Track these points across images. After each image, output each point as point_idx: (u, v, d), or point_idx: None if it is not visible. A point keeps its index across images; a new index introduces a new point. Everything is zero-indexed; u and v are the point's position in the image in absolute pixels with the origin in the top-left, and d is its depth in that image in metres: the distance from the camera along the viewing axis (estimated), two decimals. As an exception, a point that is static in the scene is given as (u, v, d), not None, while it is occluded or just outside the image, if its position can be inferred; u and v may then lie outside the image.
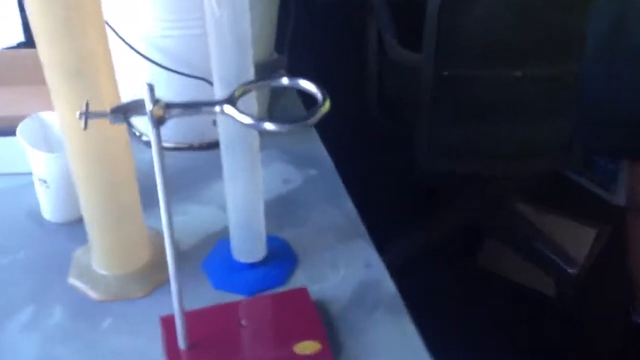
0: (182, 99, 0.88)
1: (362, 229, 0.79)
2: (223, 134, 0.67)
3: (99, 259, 0.74)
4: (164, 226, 0.59)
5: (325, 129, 1.06)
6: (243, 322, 0.67)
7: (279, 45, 0.98)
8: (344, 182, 0.88)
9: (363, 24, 1.39)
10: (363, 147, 1.47)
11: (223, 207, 0.73)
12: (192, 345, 0.64)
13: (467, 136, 1.36)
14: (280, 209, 0.83)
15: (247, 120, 0.52)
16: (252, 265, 0.75)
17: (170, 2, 0.81)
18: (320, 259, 0.75)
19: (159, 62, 0.84)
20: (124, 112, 0.52)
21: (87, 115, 0.51)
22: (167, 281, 0.72)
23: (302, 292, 0.69)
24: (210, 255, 0.76)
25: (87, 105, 0.52)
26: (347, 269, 0.74)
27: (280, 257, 0.76)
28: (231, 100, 0.53)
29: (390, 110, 1.43)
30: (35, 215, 0.82)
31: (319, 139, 0.95)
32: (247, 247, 0.74)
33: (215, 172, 0.73)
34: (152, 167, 0.58)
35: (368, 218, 0.83)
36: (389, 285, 0.71)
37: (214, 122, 0.87)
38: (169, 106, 0.52)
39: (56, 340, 0.68)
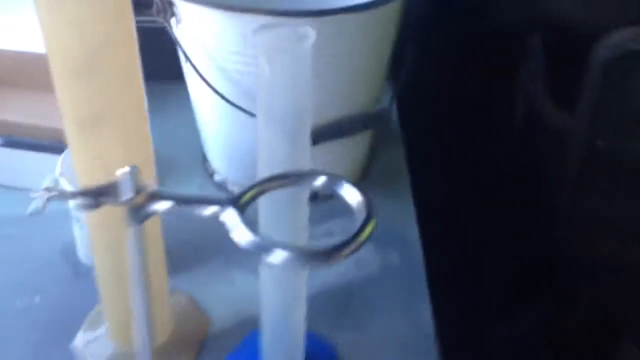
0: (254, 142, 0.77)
1: (435, 352, 0.62)
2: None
3: (109, 328, 0.62)
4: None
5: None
6: None
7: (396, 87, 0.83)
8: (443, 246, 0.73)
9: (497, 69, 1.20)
10: (478, 208, 1.28)
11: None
12: None
13: (619, 215, 1.14)
14: (338, 300, 0.68)
15: (246, 237, 0.37)
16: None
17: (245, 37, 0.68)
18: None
19: (230, 98, 0.72)
20: (96, 196, 0.39)
21: (48, 196, 0.39)
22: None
23: None
24: (238, 349, 0.62)
25: (54, 183, 0.39)
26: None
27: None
28: (237, 203, 0.39)
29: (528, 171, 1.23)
30: (69, 251, 0.72)
31: (414, 207, 0.80)
32: (280, 354, 0.60)
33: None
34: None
35: (462, 295, 0.67)
36: None
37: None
38: (154, 197, 0.39)
39: None
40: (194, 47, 0.72)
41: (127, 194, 0.38)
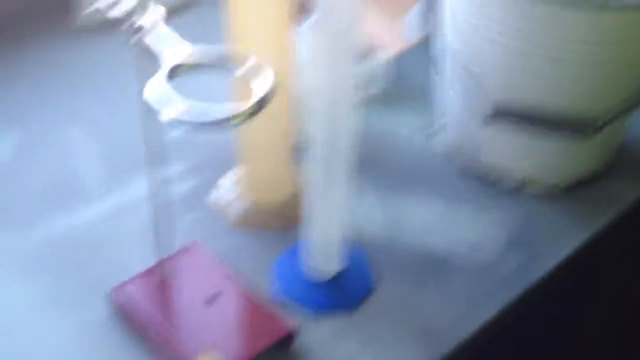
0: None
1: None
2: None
3: (244, 184, 0.74)
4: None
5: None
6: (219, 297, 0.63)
7: None
8: None
9: None
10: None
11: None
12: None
13: None
14: (416, 258, 0.69)
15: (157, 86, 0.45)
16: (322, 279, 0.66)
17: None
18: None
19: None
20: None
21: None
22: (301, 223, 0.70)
23: (283, 330, 0.61)
24: (284, 256, 0.69)
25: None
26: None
27: (356, 275, 0.67)
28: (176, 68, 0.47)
29: None
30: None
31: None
32: (319, 260, 0.66)
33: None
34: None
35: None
36: None
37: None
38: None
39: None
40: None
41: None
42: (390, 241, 0.71)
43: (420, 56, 0.90)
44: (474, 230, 0.72)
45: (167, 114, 0.45)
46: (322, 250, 0.65)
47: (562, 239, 0.72)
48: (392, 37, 0.89)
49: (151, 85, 0.46)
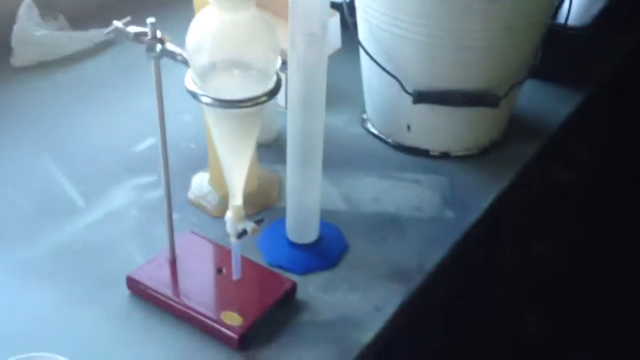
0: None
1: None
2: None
3: (213, 181, 0.86)
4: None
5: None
6: (224, 270, 0.73)
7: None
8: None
9: None
10: None
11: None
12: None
13: None
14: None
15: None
16: (303, 246, 0.79)
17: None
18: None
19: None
20: (136, 35, 0.61)
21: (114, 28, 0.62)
22: (270, 206, 0.85)
23: (287, 283, 0.72)
24: (265, 232, 0.81)
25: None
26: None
27: (331, 241, 0.80)
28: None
29: None
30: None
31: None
32: (301, 229, 0.79)
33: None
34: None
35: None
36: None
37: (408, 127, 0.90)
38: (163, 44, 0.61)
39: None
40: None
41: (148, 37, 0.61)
42: (349, 212, 0.85)
43: (338, 63, 1.05)
44: (415, 195, 0.88)
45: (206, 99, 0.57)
46: (304, 222, 0.78)
47: (483, 193, 0.89)
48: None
49: (188, 78, 0.58)
